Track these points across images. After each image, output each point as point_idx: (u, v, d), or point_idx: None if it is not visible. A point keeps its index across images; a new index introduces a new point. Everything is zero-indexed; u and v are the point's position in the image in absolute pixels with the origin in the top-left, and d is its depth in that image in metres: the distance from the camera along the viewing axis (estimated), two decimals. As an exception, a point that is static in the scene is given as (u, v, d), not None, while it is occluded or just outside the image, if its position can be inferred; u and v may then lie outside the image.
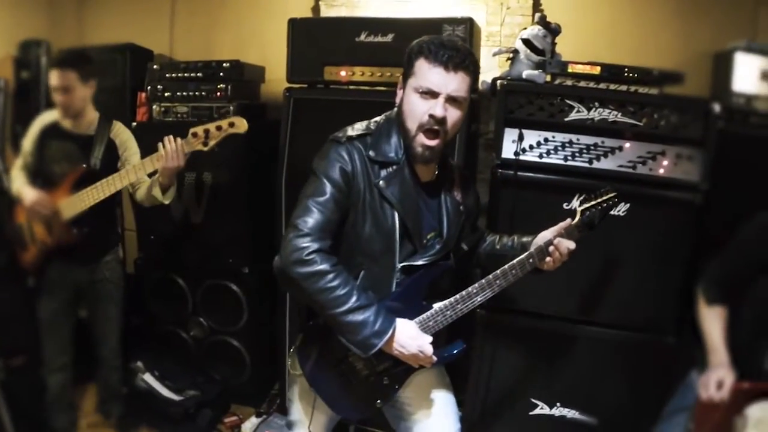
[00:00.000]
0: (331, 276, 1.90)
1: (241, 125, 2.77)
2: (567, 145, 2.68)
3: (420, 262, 2.10)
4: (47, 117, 3.10)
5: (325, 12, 3.89)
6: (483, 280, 2.10)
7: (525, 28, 2.88)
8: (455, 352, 2.16)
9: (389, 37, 2.97)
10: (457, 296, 2.11)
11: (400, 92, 2.07)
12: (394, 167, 2.05)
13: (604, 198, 2.18)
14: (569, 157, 2.68)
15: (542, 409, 2.93)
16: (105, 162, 3.04)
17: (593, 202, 2.17)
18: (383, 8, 3.72)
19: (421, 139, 1.98)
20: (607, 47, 3.30)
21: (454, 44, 1.97)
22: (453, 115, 1.98)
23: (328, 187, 1.97)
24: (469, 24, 2.89)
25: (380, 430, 3.26)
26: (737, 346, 2.28)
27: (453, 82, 1.94)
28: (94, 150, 3.03)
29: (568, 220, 2.15)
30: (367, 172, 2.03)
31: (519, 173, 2.69)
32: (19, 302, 3.22)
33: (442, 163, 2.21)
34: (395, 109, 2.11)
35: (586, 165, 2.66)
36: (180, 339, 3.84)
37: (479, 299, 2.10)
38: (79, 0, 4.58)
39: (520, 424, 2.96)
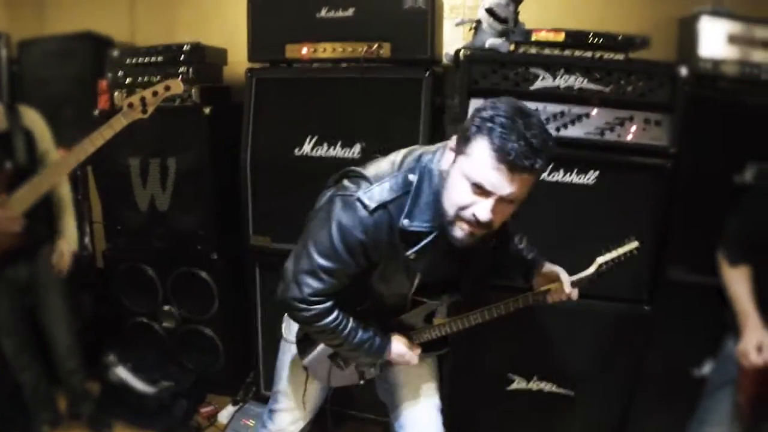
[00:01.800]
0: (332, 327, 1.95)
1: (177, 87, 2.70)
2: (533, 113, 2.64)
3: (431, 302, 2.10)
4: None
5: (286, -10, 3.82)
6: (485, 309, 2.09)
7: (487, -2, 2.83)
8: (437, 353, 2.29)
9: (350, 12, 2.90)
10: (456, 319, 2.12)
11: (449, 155, 1.74)
12: (429, 238, 1.82)
13: (626, 250, 2.05)
14: (536, 126, 2.63)
15: (519, 383, 2.91)
16: (29, 155, 2.91)
17: (613, 255, 2.05)
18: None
19: (462, 225, 1.71)
20: (571, 14, 3.24)
21: (531, 133, 1.57)
22: (501, 212, 1.68)
23: (342, 258, 1.83)
24: (431, -4, 2.83)
25: (358, 412, 3.30)
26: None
27: (514, 186, 1.62)
28: (14, 144, 2.87)
29: (585, 274, 2.06)
30: (392, 243, 1.82)
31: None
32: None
33: None
34: (432, 159, 1.83)
35: (554, 133, 2.61)
36: (152, 330, 3.77)
37: (476, 322, 2.12)
38: (38, -9, 4.49)
39: (498, 400, 2.94)
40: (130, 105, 2.69)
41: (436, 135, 2.88)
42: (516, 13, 2.80)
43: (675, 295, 2.74)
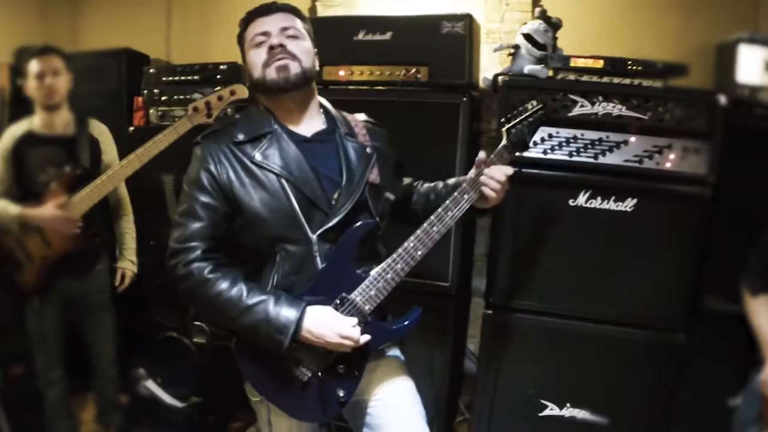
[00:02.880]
0: (210, 283, 1.81)
1: (242, 92, 2.78)
2: (572, 140, 2.64)
3: (334, 222, 1.88)
4: (16, 129, 2.96)
5: (322, 12, 3.85)
6: (419, 231, 1.90)
7: (525, 23, 2.85)
8: (406, 323, 1.95)
9: (388, 35, 2.93)
10: (394, 255, 1.89)
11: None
12: (269, 136, 1.93)
13: (530, 112, 2.01)
14: (574, 153, 2.63)
15: (552, 410, 2.87)
16: (93, 162, 2.99)
17: (519, 119, 2.00)
18: (381, 7, 3.68)
19: (270, 68, 1.92)
20: (609, 41, 3.25)
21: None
22: (294, 43, 1.95)
23: (193, 193, 1.89)
24: (468, 20, 2.86)
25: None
26: None
27: (277, 20, 1.95)
28: (80, 150, 2.95)
29: (499, 146, 1.99)
30: (235, 156, 1.90)
31: (523, 170, 2.63)
32: (13, 310, 3.10)
33: (327, 111, 2.13)
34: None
35: (592, 160, 2.62)
36: (182, 345, 3.77)
37: (419, 253, 1.89)
38: (73, 6, 4.54)
39: (530, 426, 2.90)
40: (195, 109, 2.76)
41: (473, 159, 2.88)
42: (554, 39, 2.81)
43: (711, 324, 2.72)
